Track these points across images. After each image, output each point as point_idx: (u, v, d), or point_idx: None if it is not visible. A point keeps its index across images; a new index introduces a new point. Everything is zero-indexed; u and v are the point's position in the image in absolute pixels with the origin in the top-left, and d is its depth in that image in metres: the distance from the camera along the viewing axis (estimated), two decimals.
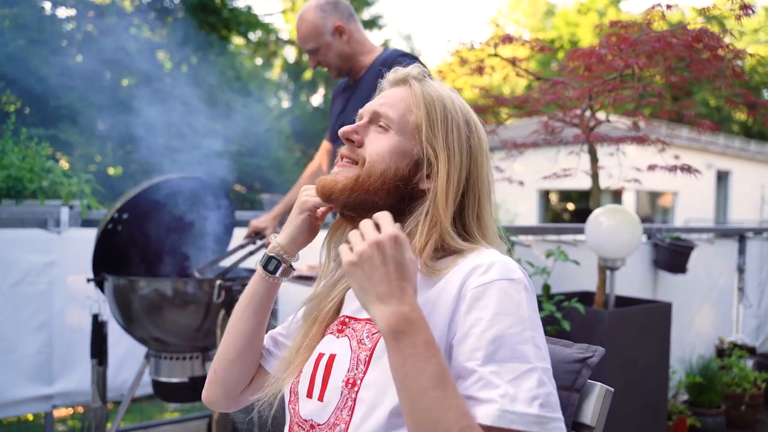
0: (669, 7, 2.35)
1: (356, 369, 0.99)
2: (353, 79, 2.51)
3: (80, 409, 3.64)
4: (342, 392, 0.99)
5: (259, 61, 23.16)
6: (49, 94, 11.56)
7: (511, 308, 0.92)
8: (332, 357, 1.04)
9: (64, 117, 11.64)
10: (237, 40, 16.47)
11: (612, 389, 1.03)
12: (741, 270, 4.36)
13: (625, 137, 2.74)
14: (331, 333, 1.10)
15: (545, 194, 16.58)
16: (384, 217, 0.94)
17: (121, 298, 2.50)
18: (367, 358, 0.99)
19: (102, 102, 11.84)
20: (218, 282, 2.43)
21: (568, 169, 2.77)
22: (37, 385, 3.11)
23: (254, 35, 17.98)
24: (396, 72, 1.14)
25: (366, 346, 1.01)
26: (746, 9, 2.19)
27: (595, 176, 2.78)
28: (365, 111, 1.11)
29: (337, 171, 1.08)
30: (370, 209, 1.03)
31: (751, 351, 4.02)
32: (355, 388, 0.97)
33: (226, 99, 14.84)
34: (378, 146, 1.06)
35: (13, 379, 3.04)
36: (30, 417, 3.57)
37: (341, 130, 1.09)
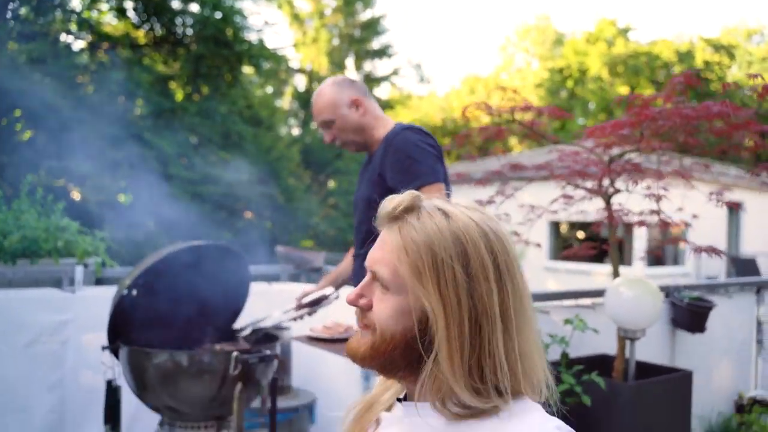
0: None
1: None
2: (369, 154, 2.51)
3: None
4: None
5: (269, 89, 23.37)
6: (62, 126, 11.68)
7: None
8: None
9: (77, 148, 11.73)
10: (247, 70, 16.61)
11: None
12: (759, 322, 4.30)
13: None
14: None
15: (556, 225, 16.53)
16: None
17: (136, 366, 2.48)
18: None
19: (114, 132, 11.94)
20: (234, 354, 2.41)
21: (594, 245, 2.74)
22: None
23: (265, 64, 18.12)
24: (385, 207, 1.02)
25: None
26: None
27: (614, 246, 2.76)
28: (368, 266, 1.03)
29: (359, 335, 1.04)
30: (392, 370, 1.00)
31: None
32: None
33: (237, 129, 14.95)
34: (383, 310, 0.99)
35: None
36: None
37: (349, 299, 1.03)
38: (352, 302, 1.02)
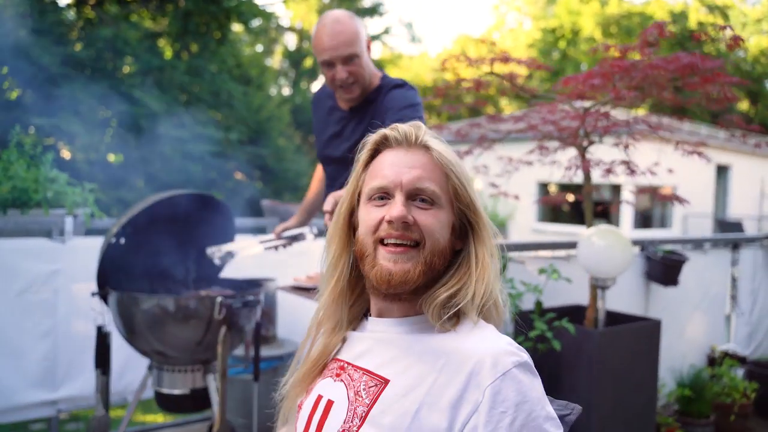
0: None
1: (351, 422, 1.06)
2: (353, 102, 2.39)
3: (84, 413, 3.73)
4: None
5: (259, 48, 23.12)
6: (50, 83, 11.58)
7: (528, 393, 0.98)
8: (330, 403, 1.11)
9: (66, 106, 11.66)
10: (237, 28, 16.42)
11: (580, 407, 1.11)
12: (734, 278, 4.43)
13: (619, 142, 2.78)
14: (330, 376, 1.16)
15: (544, 186, 16.62)
16: None
17: (124, 312, 2.57)
18: (363, 414, 1.05)
19: (103, 90, 11.87)
20: (219, 299, 2.50)
21: (563, 193, 2.82)
22: (43, 391, 3.19)
23: (255, 22, 17.91)
24: (405, 133, 1.12)
25: (363, 400, 1.07)
26: None
27: (588, 195, 2.85)
28: (402, 185, 1.08)
29: (397, 258, 1.06)
30: (424, 286, 1.09)
31: (742, 360, 4.10)
32: None
33: (227, 87, 14.84)
34: (432, 222, 1.07)
35: (19, 384, 3.12)
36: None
37: (398, 215, 1.06)
38: (402, 218, 1.05)
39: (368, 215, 1.10)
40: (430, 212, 1.08)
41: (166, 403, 2.70)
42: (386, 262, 1.07)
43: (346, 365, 1.15)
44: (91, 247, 3.10)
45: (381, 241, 1.08)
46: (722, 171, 17.34)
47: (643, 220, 15.92)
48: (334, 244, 1.17)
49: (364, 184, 1.14)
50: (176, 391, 2.66)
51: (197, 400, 2.70)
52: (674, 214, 15.83)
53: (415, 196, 1.08)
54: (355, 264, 1.16)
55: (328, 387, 1.14)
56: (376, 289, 1.11)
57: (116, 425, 3.02)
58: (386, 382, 1.07)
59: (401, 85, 2.33)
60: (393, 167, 1.09)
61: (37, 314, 3.16)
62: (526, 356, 1.03)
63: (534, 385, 1.01)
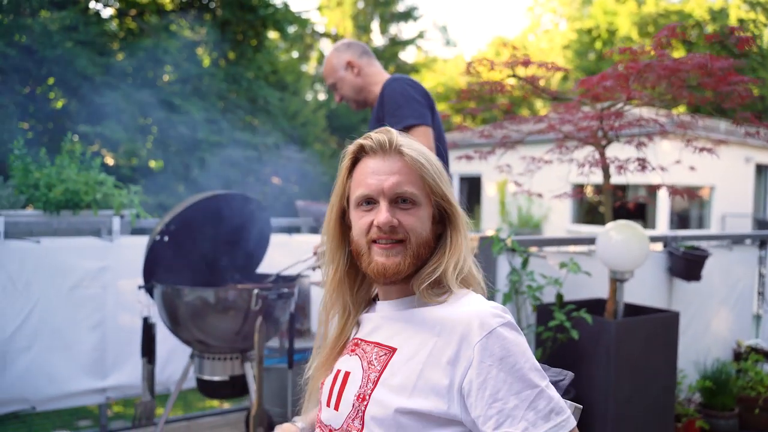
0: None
1: (366, 386, 1.22)
2: (363, 108, 2.78)
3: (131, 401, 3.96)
4: (353, 404, 1.22)
5: (295, 54, 23.46)
6: (94, 93, 11.99)
7: (511, 348, 1.14)
8: (347, 374, 1.28)
9: (109, 114, 12.06)
10: (273, 35, 16.74)
11: (581, 406, 1.23)
12: (762, 275, 4.45)
13: (637, 136, 2.86)
14: (346, 353, 1.34)
15: (580, 188, 16.58)
16: None
17: (169, 304, 2.77)
18: (376, 378, 1.21)
19: (144, 98, 12.23)
20: (255, 291, 2.68)
21: (579, 187, 2.94)
22: (93, 379, 3.42)
23: (290, 29, 18.21)
24: (379, 142, 1.27)
25: (375, 367, 1.23)
26: None
27: (607, 192, 2.95)
28: (385, 192, 1.24)
29: (388, 254, 1.23)
30: (413, 272, 1.26)
31: None
32: (365, 402, 1.20)
33: (264, 93, 15.15)
34: (414, 222, 1.24)
35: (71, 373, 3.36)
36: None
37: (384, 222, 1.22)
38: (389, 223, 1.22)
39: (359, 220, 1.27)
40: (411, 212, 1.25)
41: (206, 389, 2.89)
42: (380, 257, 1.24)
43: (360, 341, 1.32)
44: (137, 245, 3.32)
45: (373, 241, 1.25)
46: (762, 170, 17.03)
47: (680, 221, 15.74)
48: (329, 242, 1.35)
49: (351, 192, 1.30)
50: (216, 378, 2.85)
51: (236, 387, 2.88)
52: (712, 215, 15.61)
53: (397, 199, 1.24)
54: (350, 257, 1.34)
55: (345, 361, 1.32)
56: (375, 280, 1.30)
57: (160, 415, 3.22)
58: (394, 350, 1.23)
59: (385, 86, 2.52)
60: (374, 176, 1.25)
61: (87, 308, 3.39)
62: (509, 317, 1.19)
63: (518, 341, 1.15)
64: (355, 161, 1.31)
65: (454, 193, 1.31)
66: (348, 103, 2.76)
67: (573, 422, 1.13)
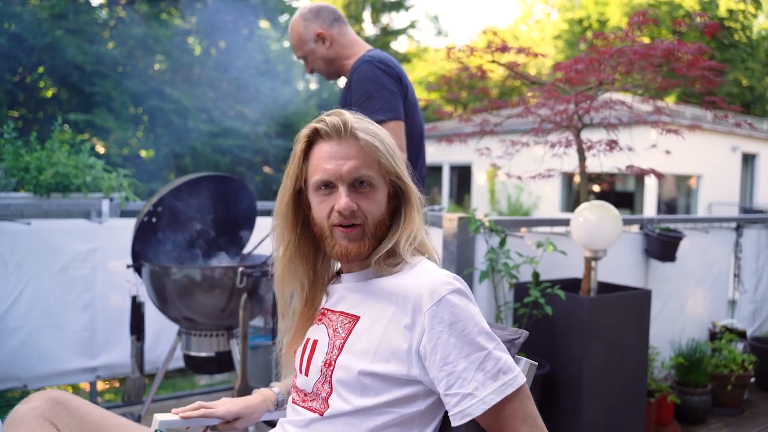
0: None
1: (332, 353, 1.32)
2: (334, 78, 2.64)
3: (118, 382, 4.04)
4: (321, 370, 1.31)
5: (286, 43, 23.40)
6: (84, 81, 12.00)
7: (462, 314, 1.22)
8: (315, 342, 1.39)
9: (100, 103, 12.08)
10: (264, 24, 16.75)
11: (536, 363, 1.33)
12: (737, 257, 4.57)
13: (612, 124, 2.96)
14: (315, 323, 1.44)
15: (569, 178, 16.68)
16: None
17: (157, 282, 2.85)
18: (341, 345, 1.32)
19: (134, 87, 12.25)
20: (240, 269, 2.76)
21: (552, 169, 3.04)
22: (83, 358, 3.51)
23: (282, 18, 18.21)
24: (334, 126, 1.30)
25: (340, 334, 1.34)
26: None
27: (582, 174, 3.05)
28: (343, 177, 1.29)
29: (350, 237, 1.30)
30: (373, 249, 1.34)
31: (742, 335, 4.25)
32: (331, 368, 1.30)
33: (255, 82, 15.19)
34: (371, 205, 1.31)
35: (62, 352, 3.44)
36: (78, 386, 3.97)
37: (345, 207, 1.27)
38: (349, 208, 1.28)
39: (320, 204, 1.33)
40: (368, 195, 1.31)
41: (194, 365, 2.98)
42: (342, 240, 1.31)
43: (326, 311, 1.42)
44: (126, 227, 3.40)
45: (335, 225, 1.31)
46: (748, 159, 17.21)
47: (668, 208, 15.91)
48: (280, 223, 1.40)
49: (309, 176, 1.35)
50: (203, 354, 2.94)
51: (222, 363, 2.98)
52: (699, 203, 15.78)
53: (354, 183, 1.30)
54: (301, 237, 1.41)
55: (313, 330, 1.42)
56: (339, 260, 1.40)
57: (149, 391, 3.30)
58: (357, 318, 1.33)
59: (355, 68, 2.38)
60: (332, 160, 1.29)
61: (77, 288, 3.47)
62: (460, 284, 1.27)
63: (467, 307, 1.24)
64: (310, 144, 1.35)
65: (405, 169, 1.36)
66: (322, 75, 2.61)
67: (521, 379, 1.21)
